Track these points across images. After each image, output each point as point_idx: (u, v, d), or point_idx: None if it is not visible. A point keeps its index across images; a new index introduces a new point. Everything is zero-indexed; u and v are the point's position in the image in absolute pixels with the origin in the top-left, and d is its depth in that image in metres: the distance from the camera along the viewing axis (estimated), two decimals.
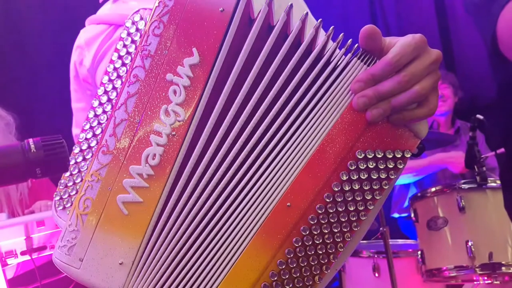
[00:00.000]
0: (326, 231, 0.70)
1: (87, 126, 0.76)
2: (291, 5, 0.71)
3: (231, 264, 0.71)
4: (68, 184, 0.76)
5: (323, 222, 0.70)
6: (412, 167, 3.11)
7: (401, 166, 0.70)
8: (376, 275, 2.48)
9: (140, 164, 0.72)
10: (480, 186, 2.20)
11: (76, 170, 0.75)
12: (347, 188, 0.69)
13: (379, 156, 0.69)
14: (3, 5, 3.28)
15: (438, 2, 4.05)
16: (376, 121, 0.70)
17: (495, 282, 2.11)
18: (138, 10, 0.76)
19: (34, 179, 0.63)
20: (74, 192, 0.75)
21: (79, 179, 0.75)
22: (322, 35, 0.72)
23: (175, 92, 0.72)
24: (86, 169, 0.74)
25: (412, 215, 2.45)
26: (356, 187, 0.69)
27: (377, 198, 0.70)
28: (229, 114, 0.71)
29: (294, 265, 0.70)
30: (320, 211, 0.69)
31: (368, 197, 0.70)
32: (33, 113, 3.15)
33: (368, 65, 0.70)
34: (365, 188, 0.69)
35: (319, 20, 0.72)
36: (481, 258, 2.10)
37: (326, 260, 0.70)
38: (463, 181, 2.29)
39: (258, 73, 0.71)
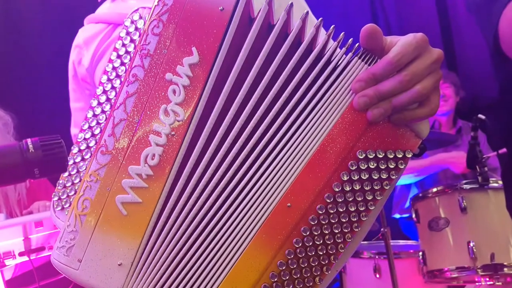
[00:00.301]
0: (326, 232, 0.70)
1: (86, 126, 0.76)
2: (292, 4, 0.71)
3: (231, 265, 0.71)
4: (67, 185, 0.75)
5: (324, 222, 0.69)
6: (414, 167, 3.10)
7: (402, 166, 0.70)
8: (377, 276, 2.48)
9: (139, 164, 0.72)
10: (482, 187, 2.20)
11: (75, 171, 0.75)
12: (348, 189, 0.69)
13: (380, 156, 0.69)
14: (3, 5, 3.28)
15: (439, 1, 4.05)
16: (377, 121, 0.69)
17: (497, 283, 2.11)
18: (137, 9, 0.76)
19: (32, 180, 0.63)
20: (72, 193, 0.75)
21: (77, 180, 0.75)
22: (322, 34, 0.72)
23: (174, 91, 0.72)
24: (85, 169, 0.74)
25: (413, 215, 2.44)
26: (357, 187, 0.69)
27: (378, 198, 0.70)
28: (229, 114, 0.71)
29: (295, 266, 0.70)
30: (320, 212, 0.69)
31: (369, 198, 0.69)
32: (32, 113, 3.15)
33: (369, 65, 0.70)
34: (366, 188, 0.69)
35: (319, 19, 0.72)
36: (483, 259, 2.10)
37: (326, 261, 0.70)
38: (464, 181, 2.29)
39: (258, 72, 0.71)
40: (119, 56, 0.75)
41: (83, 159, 0.75)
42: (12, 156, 0.61)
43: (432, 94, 0.70)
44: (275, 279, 0.70)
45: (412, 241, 2.96)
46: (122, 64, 0.75)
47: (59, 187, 0.76)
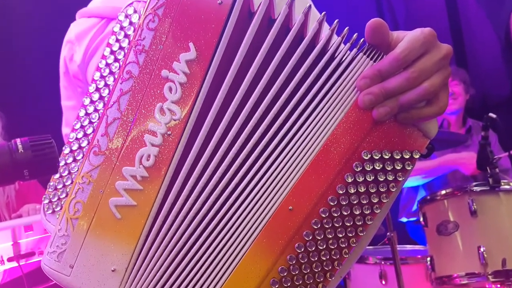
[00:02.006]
0: (330, 236, 0.70)
1: (78, 125, 0.76)
2: None
3: (230, 270, 0.71)
4: (58, 187, 0.75)
5: (327, 226, 0.69)
6: (421, 168, 3.11)
7: (409, 168, 0.70)
8: (383, 282, 2.48)
9: (133, 165, 0.72)
10: (492, 189, 2.20)
11: (66, 172, 0.75)
12: (352, 191, 0.69)
13: (386, 157, 0.69)
14: None
15: None
16: (383, 120, 0.69)
17: None
18: (132, 3, 0.76)
19: (21, 181, 0.63)
20: (64, 195, 0.75)
21: (69, 181, 0.75)
22: (326, 30, 0.72)
23: (170, 89, 0.72)
24: (77, 170, 0.74)
25: (421, 219, 2.44)
26: (362, 189, 0.69)
27: (384, 201, 0.70)
28: (228, 113, 0.71)
29: (297, 272, 0.70)
30: (323, 215, 0.69)
31: (375, 200, 0.69)
32: (21, 112, 3.16)
33: (374, 61, 0.70)
34: (372, 190, 0.69)
35: (322, 13, 0.72)
36: (494, 265, 2.10)
37: (330, 267, 0.70)
38: (474, 183, 2.29)
39: (258, 69, 0.71)
40: (112, 52, 0.75)
41: (75, 160, 0.75)
42: (1, 157, 0.61)
43: (441, 92, 0.70)
44: (276, 286, 0.70)
45: (419, 246, 2.96)
46: (116, 60, 0.75)
47: (49, 189, 0.76)
